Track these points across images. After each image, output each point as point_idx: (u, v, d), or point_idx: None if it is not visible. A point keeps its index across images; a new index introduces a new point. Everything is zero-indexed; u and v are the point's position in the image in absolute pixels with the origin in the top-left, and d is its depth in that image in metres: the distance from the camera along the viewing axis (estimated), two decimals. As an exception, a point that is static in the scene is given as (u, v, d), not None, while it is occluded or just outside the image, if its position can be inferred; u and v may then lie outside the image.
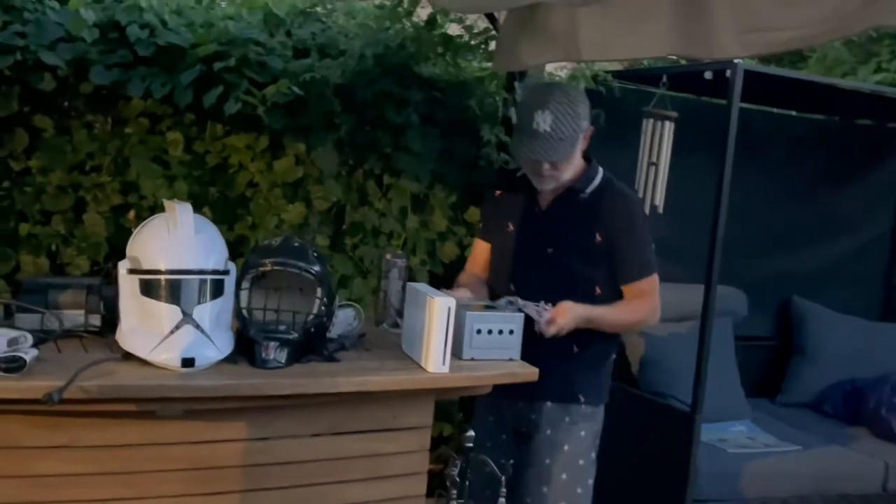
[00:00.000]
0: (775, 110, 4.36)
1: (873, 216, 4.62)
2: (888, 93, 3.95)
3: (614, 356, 2.71)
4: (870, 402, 3.98)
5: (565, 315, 2.40)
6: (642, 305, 2.55)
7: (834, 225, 4.47)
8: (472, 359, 2.25)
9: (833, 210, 4.45)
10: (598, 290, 2.53)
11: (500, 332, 2.27)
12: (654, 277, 2.56)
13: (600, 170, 2.61)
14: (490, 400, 2.54)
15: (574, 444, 2.58)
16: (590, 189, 2.56)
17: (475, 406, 2.71)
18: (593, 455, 2.63)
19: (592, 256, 2.52)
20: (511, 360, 2.28)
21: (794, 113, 4.46)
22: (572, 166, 2.51)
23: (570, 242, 2.53)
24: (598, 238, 2.52)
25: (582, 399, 2.59)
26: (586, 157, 2.59)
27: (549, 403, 2.56)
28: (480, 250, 2.74)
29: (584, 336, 2.48)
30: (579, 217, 2.53)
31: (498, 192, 2.71)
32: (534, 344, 2.39)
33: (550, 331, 2.37)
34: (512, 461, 2.47)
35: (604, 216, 2.52)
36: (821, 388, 4.24)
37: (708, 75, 3.21)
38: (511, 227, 2.61)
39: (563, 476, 2.56)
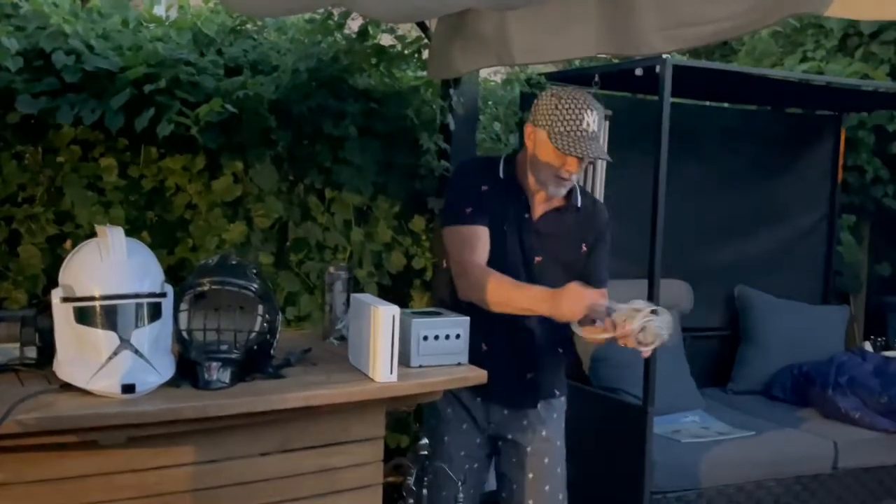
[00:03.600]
0: (707, 103, 4.44)
1: (809, 202, 4.73)
2: (815, 80, 4.05)
3: None
4: (816, 385, 4.06)
5: None
6: None
7: (772, 213, 4.57)
8: (421, 366, 2.24)
9: (770, 198, 4.54)
10: None
11: (447, 336, 2.26)
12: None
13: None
14: (459, 409, 2.57)
15: (561, 437, 2.67)
16: (579, 201, 2.56)
17: (441, 415, 2.61)
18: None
19: (575, 267, 2.53)
20: (459, 364, 2.27)
21: (726, 105, 4.55)
22: None
23: (559, 253, 2.53)
24: (584, 249, 2.56)
25: (557, 393, 2.67)
26: None
27: (540, 404, 2.61)
28: (486, 238, 2.46)
29: (566, 338, 2.52)
30: (571, 229, 2.54)
31: (485, 186, 2.51)
32: (534, 350, 2.53)
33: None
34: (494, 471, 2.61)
35: (591, 227, 2.57)
36: (769, 374, 4.32)
37: (639, 72, 3.26)
38: (503, 230, 2.49)
39: (559, 470, 2.64)
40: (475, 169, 2.66)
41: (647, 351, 2.21)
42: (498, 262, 2.45)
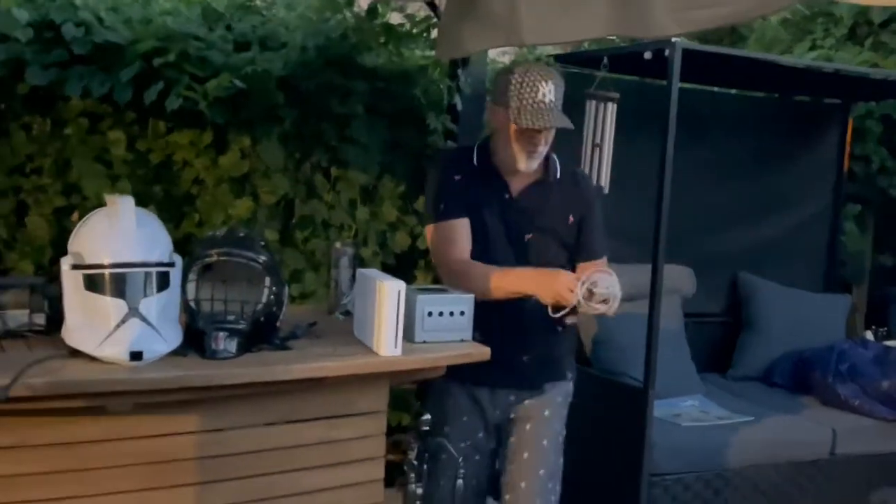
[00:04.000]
0: (716, 89, 4.43)
1: (814, 190, 4.71)
2: (824, 68, 4.04)
3: None
4: (817, 372, 4.06)
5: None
6: None
7: (777, 200, 4.56)
8: (425, 341, 2.25)
9: (775, 185, 4.53)
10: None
11: (452, 313, 2.27)
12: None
13: (553, 154, 2.62)
14: (462, 399, 2.57)
15: (561, 422, 2.66)
16: (558, 173, 2.58)
17: (442, 404, 2.60)
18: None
19: (566, 239, 2.57)
20: (463, 340, 2.29)
21: (733, 91, 4.54)
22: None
23: (547, 228, 2.54)
24: (571, 220, 2.57)
25: (569, 375, 2.68)
26: None
27: (546, 386, 2.61)
28: (467, 230, 2.48)
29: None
30: (554, 201, 2.55)
31: (457, 176, 2.53)
32: (530, 331, 2.50)
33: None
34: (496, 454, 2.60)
35: (575, 198, 2.58)
36: (770, 361, 4.32)
37: (647, 55, 3.25)
38: (485, 215, 2.50)
39: (555, 456, 2.63)
40: (447, 161, 2.67)
41: (604, 308, 2.23)
42: (485, 247, 2.47)
